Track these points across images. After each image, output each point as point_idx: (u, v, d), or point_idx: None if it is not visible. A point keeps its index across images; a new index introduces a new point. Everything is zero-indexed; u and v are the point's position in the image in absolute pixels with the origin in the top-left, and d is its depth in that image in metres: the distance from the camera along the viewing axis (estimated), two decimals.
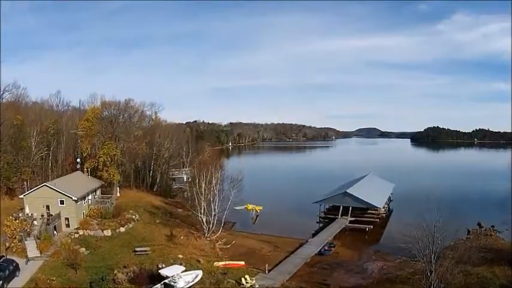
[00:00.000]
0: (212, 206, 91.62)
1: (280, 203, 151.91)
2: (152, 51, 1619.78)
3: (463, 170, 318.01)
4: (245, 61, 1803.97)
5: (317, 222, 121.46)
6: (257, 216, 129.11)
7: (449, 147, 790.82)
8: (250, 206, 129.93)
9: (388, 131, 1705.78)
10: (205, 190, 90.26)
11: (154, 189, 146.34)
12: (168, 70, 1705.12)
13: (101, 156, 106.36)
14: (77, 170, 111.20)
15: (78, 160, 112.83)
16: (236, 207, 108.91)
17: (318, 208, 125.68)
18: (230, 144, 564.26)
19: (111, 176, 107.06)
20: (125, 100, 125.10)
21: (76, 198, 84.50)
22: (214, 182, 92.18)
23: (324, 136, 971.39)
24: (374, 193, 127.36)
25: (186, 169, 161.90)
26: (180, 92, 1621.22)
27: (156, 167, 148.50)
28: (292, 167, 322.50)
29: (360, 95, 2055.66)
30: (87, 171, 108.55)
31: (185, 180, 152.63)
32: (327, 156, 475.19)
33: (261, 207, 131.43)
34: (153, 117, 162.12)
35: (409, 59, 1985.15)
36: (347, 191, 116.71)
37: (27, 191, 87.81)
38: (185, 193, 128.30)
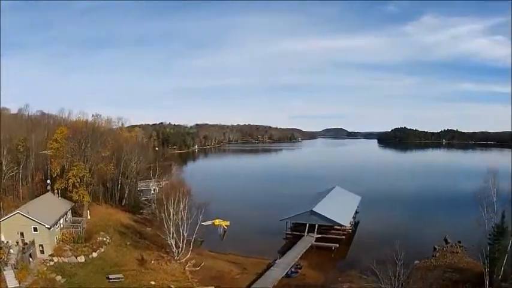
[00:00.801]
0: (181, 230, 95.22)
1: (247, 215, 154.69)
2: (119, 51, 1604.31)
3: (432, 170, 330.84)
4: (212, 61, 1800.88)
5: (284, 238, 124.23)
6: (225, 232, 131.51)
7: (417, 148, 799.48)
8: (217, 222, 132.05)
9: (355, 131, 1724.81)
10: (173, 215, 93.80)
11: (123, 203, 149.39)
12: (135, 70, 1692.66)
13: (70, 178, 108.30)
14: (47, 191, 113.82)
15: (49, 181, 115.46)
16: (204, 223, 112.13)
17: (285, 222, 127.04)
18: (196, 147, 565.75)
19: (81, 197, 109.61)
20: (92, 116, 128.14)
21: (49, 226, 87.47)
22: (182, 206, 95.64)
23: (290, 137, 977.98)
24: (340, 209, 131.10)
25: (153, 181, 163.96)
26: (147, 92, 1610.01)
27: (124, 180, 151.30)
28: (258, 171, 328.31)
29: (327, 96, 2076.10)
30: (58, 192, 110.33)
31: (152, 192, 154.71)
32: (293, 159, 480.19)
33: (228, 223, 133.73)
34: (120, 131, 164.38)
35: (377, 60, 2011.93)
36: (313, 209, 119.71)
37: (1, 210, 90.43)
38: (152, 206, 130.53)
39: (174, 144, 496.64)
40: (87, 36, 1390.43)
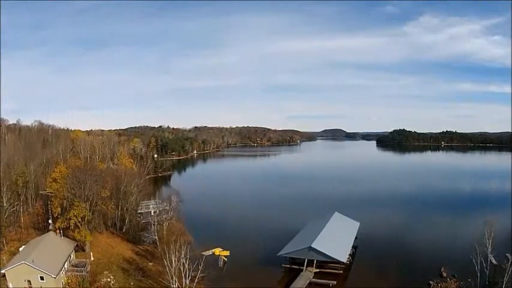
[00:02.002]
0: (183, 275, 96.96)
1: (247, 243, 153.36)
2: (116, 51, 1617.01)
3: (433, 175, 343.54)
4: (210, 61, 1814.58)
5: (282, 271, 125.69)
6: (225, 263, 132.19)
7: (416, 150, 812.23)
8: (217, 251, 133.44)
9: (354, 131, 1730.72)
10: (175, 262, 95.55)
11: (124, 230, 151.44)
12: (133, 70, 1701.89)
13: (71, 218, 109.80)
14: (48, 219, 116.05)
15: (50, 221, 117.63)
16: (204, 253, 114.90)
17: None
18: (195, 152, 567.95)
19: (83, 237, 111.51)
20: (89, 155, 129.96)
21: (55, 276, 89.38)
22: (183, 254, 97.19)
23: (289, 140, 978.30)
24: (338, 242, 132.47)
25: (153, 202, 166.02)
26: (145, 92, 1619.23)
27: (124, 207, 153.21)
28: (258, 182, 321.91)
29: (326, 96, 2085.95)
30: (60, 231, 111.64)
31: (152, 213, 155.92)
32: (292, 166, 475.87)
33: (227, 253, 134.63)
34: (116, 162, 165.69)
35: (375, 60, 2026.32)
36: (311, 245, 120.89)
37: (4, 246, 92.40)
38: (153, 235, 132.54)
39: (173, 150, 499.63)
40: (84, 36, 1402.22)
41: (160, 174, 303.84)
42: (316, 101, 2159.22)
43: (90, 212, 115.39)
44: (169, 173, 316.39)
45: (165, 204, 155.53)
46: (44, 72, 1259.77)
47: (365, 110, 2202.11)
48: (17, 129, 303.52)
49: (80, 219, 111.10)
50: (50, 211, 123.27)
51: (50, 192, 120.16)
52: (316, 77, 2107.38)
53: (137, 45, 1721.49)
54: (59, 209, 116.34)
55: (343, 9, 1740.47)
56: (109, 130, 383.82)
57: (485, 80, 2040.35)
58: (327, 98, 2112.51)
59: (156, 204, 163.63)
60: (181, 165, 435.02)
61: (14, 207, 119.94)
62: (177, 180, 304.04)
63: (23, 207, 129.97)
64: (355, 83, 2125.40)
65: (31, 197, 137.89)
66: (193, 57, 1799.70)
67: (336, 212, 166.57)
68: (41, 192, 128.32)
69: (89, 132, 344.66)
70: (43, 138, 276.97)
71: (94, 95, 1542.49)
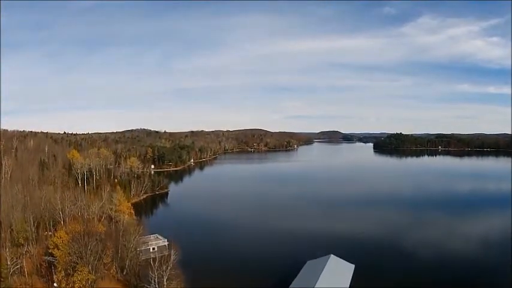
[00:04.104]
0: None
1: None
2: (115, 51, 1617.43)
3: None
4: (208, 62, 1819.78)
5: None
6: None
7: (413, 155, 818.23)
8: None
9: (351, 132, 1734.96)
10: None
11: (124, 273, 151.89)
12: (133, 71, 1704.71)
13: (76, 282, 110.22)
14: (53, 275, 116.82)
15: (56, 285, 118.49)
16: None
17: None
18: (192, 161, 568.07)
19: None
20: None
21: None
22: None
23: (286, 145, 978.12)
24: None
25: (152, 238, 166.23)
26: (143, 93, 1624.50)
27: (124, 251, 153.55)
28: (256, 194, 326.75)
29: (324, 97, 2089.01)
30: None
31: (151, 250, 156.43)
32: (290, 177, 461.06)
33: None
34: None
35: (373, 60, 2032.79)
36: None
37: None
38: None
39: (170, 160, 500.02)
40: (83, 37, 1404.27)
41: (157, 192, 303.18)
42: (313, 102, 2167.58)
43: (93, 273, 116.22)
44: (166, 190, 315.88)
45: (164, 239, 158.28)
46: (43, 73, 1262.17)
47: (363, 111, 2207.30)
48: (14, 150, 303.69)
49: (84, 283, 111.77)
50: (53, 273, 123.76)
51: (53, 258, 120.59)
52: (314, 78, 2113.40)
53: (137, 45, 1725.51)
54: (63, 272, 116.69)
55: (342, 10, 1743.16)
56: (106, 149, 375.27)
57: (483, 81, 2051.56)
58: (325, 99, 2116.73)
59: (156, 240, 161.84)
60: (178, 177, 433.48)
61: (17, 265, 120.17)
62: (174, 196, 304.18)
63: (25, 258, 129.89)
64: (353, 83, 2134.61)
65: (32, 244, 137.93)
66: (193, 58, 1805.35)
67: (332, 255, 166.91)
68: (44, 258, 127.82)
69: (85, 154, 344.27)
70: (40, 159, 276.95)
71: (93, 96, 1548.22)
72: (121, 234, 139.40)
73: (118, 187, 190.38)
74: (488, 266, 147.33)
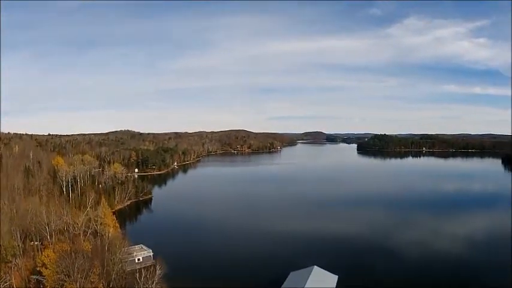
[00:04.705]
0: None
1: None
2: (105, 51, 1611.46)
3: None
4: (197, 63, 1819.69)
5: None
6: None
7: (397, 156, 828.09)
8: None
9: (335, 133, 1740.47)
10: None
11: (111, 286, 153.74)
12: (121, 71, 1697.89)
13: None
14: None
15: None
16: None
17: None
18: (175, 164, 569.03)
19: None
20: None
21: None
22: None
23: (269, 147, 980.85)
24: None
25: (137, 249, 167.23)
26: (128, 94, 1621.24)
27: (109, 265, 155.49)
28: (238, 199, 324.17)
29: (307, 97, 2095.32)
30: None
31: (136, 261, 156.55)
32: (272, 180, 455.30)
33: None
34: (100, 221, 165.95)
35: (359, 61, 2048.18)
36: None
37: None
38: None
39: (154, 164, 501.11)
40: (70, 37, 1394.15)
41: (141, 199, 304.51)
42: (297, 103, 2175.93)
43: None
44: (150, 196, 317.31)
45: (149, 250, 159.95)
46: (29, 74, 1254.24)
47: (347, 112, 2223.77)
48: None
49: None
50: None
51: (42, 277, 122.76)
52: (298, 79, 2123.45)
53: (126, 46, 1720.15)
54: None
55: (329, 11, 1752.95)
56: (90, 153, 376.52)
57: (469, 82, 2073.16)
58: (309, 100, 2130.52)
59: (141, 251, 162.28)
60: (161, 181, 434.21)
61: (6, 282, 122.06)
62: (158, 203, 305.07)
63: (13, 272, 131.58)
64: (338, 84, 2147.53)
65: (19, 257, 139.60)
66: (179, 59, 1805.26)
67: (315, 267, 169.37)
68: (32, 276, 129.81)
69: (69, 158, 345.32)
70: (24, 166, 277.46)
71: (78, 97, 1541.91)
72: (106, 247, 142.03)
73: (103, 199, 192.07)
74: (475, 265, 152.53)
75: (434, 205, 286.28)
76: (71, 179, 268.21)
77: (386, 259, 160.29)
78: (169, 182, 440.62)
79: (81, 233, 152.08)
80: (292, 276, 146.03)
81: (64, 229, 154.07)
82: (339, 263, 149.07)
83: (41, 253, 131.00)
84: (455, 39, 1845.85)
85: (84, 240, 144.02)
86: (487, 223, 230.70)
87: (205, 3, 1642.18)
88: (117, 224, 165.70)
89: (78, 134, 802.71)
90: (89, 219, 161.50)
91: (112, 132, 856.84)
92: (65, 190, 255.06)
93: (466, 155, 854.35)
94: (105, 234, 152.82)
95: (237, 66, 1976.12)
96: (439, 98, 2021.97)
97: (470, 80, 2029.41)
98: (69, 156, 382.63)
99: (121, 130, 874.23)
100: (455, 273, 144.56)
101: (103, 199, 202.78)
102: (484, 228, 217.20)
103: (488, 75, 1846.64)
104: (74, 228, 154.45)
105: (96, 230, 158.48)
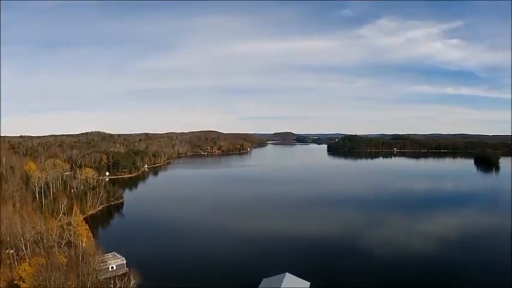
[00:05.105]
0: None
1: None
2: (74, 52, 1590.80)
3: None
4: (168, 63, 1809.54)
5: None
6: None
7: (368, 157, 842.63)
8: None
9: (305, 133, 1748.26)
10: None
11: None
12: (91, 72, 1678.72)
13: None
14: None
15: None
16: None
17: None
18: (146, 167, 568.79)
19: None
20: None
21: None
22: None
23: (239, 148, 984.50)
24: None
25: (110, 256, 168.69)
26: (99, 95, 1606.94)
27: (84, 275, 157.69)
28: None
29: (278, 98, 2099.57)
30: None
31: (110, 269, 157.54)
32: (242, 182, 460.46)
33: None
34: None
35: (331, 62, 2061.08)
36: None
37: None
38: None
39: (125, 167, 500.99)
40: (39, 37, 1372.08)
41: (113, 203, 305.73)
42: (268, 103, 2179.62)
43: None
44: (121, 200, 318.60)
45: (122, 258, 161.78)
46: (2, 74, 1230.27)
47: (317, 112, 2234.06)
48: None
49: None
50: None
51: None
52: (270, 79, 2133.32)
53: (97, 46, 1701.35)
54: None
55: (301, 12, 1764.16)
56: (62, 161, 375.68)
57: (441, 83, 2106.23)
58: (280, 100, 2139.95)
59: (114, 259, 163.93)
60: (132, 184, 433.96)
61: None
62: (130, 207, 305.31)
63: None
64: (309, 85, 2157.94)
65: None
66: (152, 59, 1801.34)
67: (287, 274, 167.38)
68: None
69: (41, 162, 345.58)
70: None
71: (51, 97, 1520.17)
72: (81, 257, 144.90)
73: (75, 208, 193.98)
74: (449, 263, 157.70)
75: (406, 205, 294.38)
76: (43, 184, 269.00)
77: (359, 260, 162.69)
78: (140, 186, 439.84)
79: (56, 244, 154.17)
80: (264, 284, 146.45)
81: (39, 239, 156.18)
82: (311, 266, 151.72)
83: (17, 264, 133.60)
84: (428, 40, 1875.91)
85: (59, 252, 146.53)
86: (460, 222, 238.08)
87: (177, 3, 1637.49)
88: (90, 234, 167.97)
89: (49, 136, 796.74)
90: (63, 230, 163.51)
91: (83, 133, 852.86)
92: (37, 196, 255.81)
93: (437, 155, 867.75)
94: (79, 245, 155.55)
95: (208, 67, 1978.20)
96: (411, 98, 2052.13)
97: (443, 80, 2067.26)
98: (41, 159, 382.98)
99: (92, 132, 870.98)
100: (428, 272, 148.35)
101: (75, 208, 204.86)
102: (457, 227, 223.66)
103: (461, 75, 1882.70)
104: (48, 239, 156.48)
105: (70, 241, 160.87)
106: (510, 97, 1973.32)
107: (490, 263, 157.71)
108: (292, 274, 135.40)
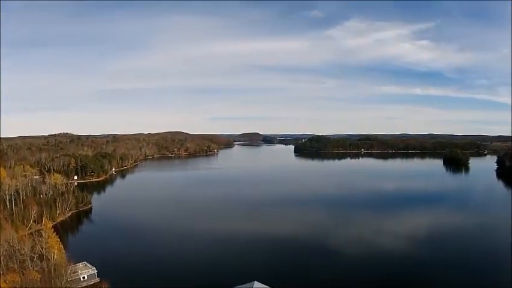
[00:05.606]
0: None
1: None
2: (45, 51, 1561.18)
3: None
4: (138, 63, 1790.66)
5: None
6: None
7: (335, 158, 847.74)
8: None
9: (271, 134, 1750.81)
10: None
11: None
12: (61, 72, 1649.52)
13: None
14: None
15: None
16: None
17: None
18: (113, 170, 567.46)
19: None
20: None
21: None
22: None
23: (206, 150, 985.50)
24: None
25: (81, 266, 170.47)
26: (67, 95, 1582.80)
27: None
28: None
29: (246, 98, 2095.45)
30: None
31: (81, 279, 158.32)
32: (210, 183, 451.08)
33: None
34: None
35: (299, 63, 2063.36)
36: None
37: None
38: None
39: (93, 170, 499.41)
40: (12, 37, 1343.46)
41: (82, 209, 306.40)
42: (236, 104, 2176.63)
43: None
44: (90, 206, 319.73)
45: (93, 268, 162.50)
46: None
47: (284, 113, 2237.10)
48: None
49: None
50: None
51: None
52: (238, 80, 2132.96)
53: (65, 46, 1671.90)
54: None
55: (270, 12, 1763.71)
56: (31, 166, 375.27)
57: (410, 83, 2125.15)
58: (247, 100, 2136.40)
59: (85, 269, 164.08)
60: (101, 188, 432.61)
61: None
62: (98, 212, 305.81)
63: None
64: (277, 85, 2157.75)
65: None
66: (121, 59, 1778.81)
67: (255, 282, 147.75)
68: None
69: (11, 166, 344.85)
70: None
71: (20, 98, 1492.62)
72: (53, 270, 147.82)
73: (45, 220, 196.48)
74: (420, 261, 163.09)
75: (375, 205, 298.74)
76: (13, 191, 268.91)
77: (328, 262, 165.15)
78: (109, 189, 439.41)
79: (28, 258, 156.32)
80: None
81: (12, 253, 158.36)
82: (281, 270, 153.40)
83: None
84: (398, 41, 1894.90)
85: (31, 266, 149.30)
86: (430, 221, 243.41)
87: (147, 3, 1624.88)
88: (61, 246, 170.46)
89: (18, 137, 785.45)
90: (35, 243, 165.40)
91: (52, 135, 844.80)
92: (8, 204, 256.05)
93: (406, 155, 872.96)
94: (50, 257, 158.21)
95: (177, 67, 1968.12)
96: (379, 98, 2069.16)
97: (411, 81, 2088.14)
98: (10, 163, 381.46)
99: (60, 133, 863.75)
100: (399, 271, 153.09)
101: (45, 217, 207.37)
102: (426, 226, 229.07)
103: (430, 76, 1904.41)
104: (21, 252, 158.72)
105: (42, 254, 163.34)
106: (480, 97, 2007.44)
107: (459, 261, 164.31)
108: (261, 282, 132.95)
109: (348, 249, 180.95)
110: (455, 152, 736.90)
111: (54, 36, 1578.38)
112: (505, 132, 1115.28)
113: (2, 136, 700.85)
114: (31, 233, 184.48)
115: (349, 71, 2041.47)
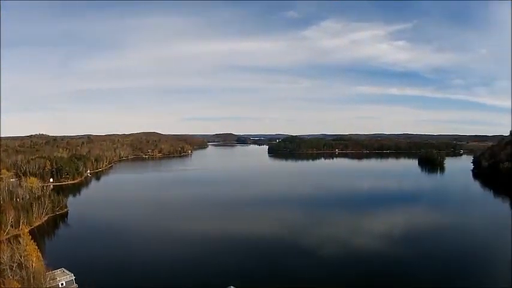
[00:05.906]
0: None
1: None
2: (17, 52, 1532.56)
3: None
4: (111, 64, 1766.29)
5: None
6: None
7: (309, 158, 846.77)
8: None
9: (245, 134, 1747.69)
10: None
11: None
12: (34, 72, 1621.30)
13: None
14: None
15: None
16: None
17: None
18: (88, 172, 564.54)
19: None
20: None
21: None
22: None
23: (180, 151, 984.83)
24: None
25: (59, 273, 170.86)
26: (41, 96, 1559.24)
27: None
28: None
29: (220, 98, 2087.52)
30: None
31: (60, 286, 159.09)
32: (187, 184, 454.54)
33: None
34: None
35: (275, 63, 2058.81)
36: None
37: None
38: None
39: (68, 173, 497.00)
40: None
41: (58, 213, 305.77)
42: (210, 104, 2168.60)
43: None
44: (66, 210, 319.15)
45: (71, 274, 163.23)
46: None
47: (259, 113, 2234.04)
48: None
49: None
50: None
51: None
52: (212, 80, 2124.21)
53: (39, 46, 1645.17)
54: None
55: (245, 13, 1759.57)
56: (7, 168, 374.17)
57: (386, 83, 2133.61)
58: (221, 101, 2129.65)
59: (63, 275, 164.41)
60: (76, 191, 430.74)
61: None
62: (75, 216, 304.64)
63: None
64: (252, 85, 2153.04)
65: None
66: (95, 60, 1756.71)
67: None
68: None
69: None
70: None
71: None
72: (32, 277, 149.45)
73: (23, 227, 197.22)
74: (399, 260, 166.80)
75: (350, 204, 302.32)
76: None
77: (304, 262, 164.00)
78: (84, 192, 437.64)
79: (8, 267, 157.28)
80: None
81: None
82: (256, 272, 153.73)
83: None
84: (374, 42, 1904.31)
85: (11, 275, 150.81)
86: (406, 220, 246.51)
87: (119, 3, 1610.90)
88: (39, 253, 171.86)
89: None
90: (14, 252, 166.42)
91: (27, 136, 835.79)
92: None
93: (380, 156, 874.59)
94: (29, 265, 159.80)
95: (151, 67, 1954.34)
96: (354, 98, 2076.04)
97: (388, 81, 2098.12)
98: None
99: (35, 134, 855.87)
100: (375, 270, 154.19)
101: (22, 224, 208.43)
102: (402, 225, 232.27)
103: (406, 77, 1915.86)
104: (0, 262, 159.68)
105: (20, 262, 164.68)
106: (456, 97, 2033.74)
107: (435, 259, 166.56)
108: (236, 287, 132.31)
109: (325, 249, 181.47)
110: (430, 152, 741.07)
111: (26, 36, 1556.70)
112: (481, 132, 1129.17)
113: None
114: (8, 239, 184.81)
115: (326, 72, 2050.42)
